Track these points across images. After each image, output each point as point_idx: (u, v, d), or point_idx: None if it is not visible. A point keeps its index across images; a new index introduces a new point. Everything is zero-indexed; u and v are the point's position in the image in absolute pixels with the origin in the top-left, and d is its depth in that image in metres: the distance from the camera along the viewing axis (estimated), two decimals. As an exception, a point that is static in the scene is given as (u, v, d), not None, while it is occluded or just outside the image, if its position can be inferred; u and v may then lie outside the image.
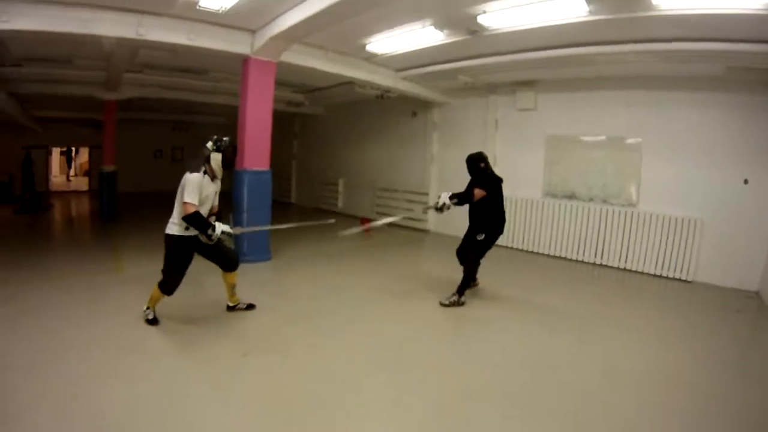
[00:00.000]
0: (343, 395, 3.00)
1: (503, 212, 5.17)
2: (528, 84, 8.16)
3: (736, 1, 4.29)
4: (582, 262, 7.60)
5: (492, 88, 8.56)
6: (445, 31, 5.86)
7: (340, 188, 12.18)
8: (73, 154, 21.58)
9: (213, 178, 3.85)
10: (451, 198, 4.85)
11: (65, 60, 7.52)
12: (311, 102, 11.89)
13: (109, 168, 10.26)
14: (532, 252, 8.17)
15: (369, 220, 9.56)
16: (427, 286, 5.69)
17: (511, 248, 8.32)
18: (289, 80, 9.37)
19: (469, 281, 5.07)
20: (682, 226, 6.65)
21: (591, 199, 7.66)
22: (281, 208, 12.42)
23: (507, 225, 5.29)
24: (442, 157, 9.65)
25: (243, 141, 6.17)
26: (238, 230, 4.33)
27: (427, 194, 9.70)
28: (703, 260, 6.55)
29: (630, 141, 7.28)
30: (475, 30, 5.62)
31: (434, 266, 7.05)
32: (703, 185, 6.58)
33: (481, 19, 5.26)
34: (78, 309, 4.33)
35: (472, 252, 5.06)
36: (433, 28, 5.74)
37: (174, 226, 3.74)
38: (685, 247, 6.64)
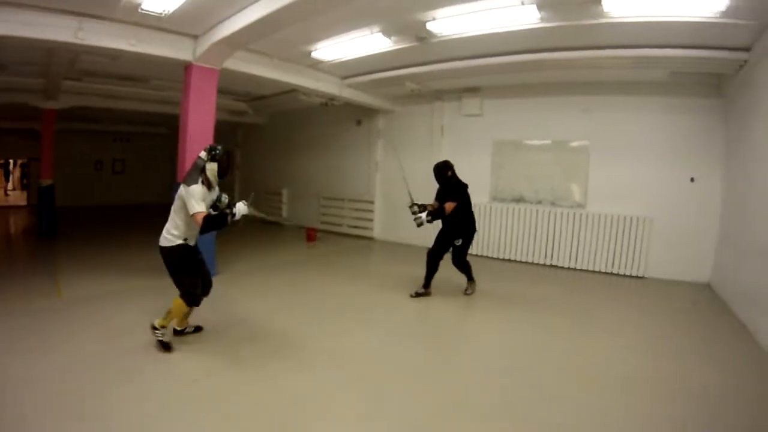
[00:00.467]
0: (308, 421, 2.76)
1: (473, 214, 5.51)
2: (474, 90, 8.25)
3: (681, 8, 4.46)
4: (533, 263, 7.73)
5: (438, 95, 8.59)
6: (393, 37, 5.80)
7: (285, 198, 11.88)
8: (11, 167, 20.42)
9: (210, 188, 3.62)
10: (428, 216, 5.17)
11: (-1, 66, 6.96)
12: (255, 111, 11.64)
13: (47, 182, 9.56)
14: (482, 256, 8.16)
15: (315, 231, 9.41)
16: (386, 293, 5.66)
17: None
18: (232, 88, 9.10)
19: (470, 275, 5.68)
20: (631, 225, 6.95)
21: (539, 202, 7.81)
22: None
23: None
24: (387, 164, 9.55)
25: (184, 151, 5.89)
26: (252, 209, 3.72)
27: (372, 202, 9.66)
28: (655, 256, 6.89)
29: (576, 144, 7.51)
30: (423, 37, 5.59)
31: (390, 273, 6.84)
32: (652, 185, 6.89)
33: (430, 26, 5.23)
34: (21, 340, 3.76)
35: (455, 256, 5.49)
36: (381, 34, 5.67)
37: (171, 237, 3.57)
38: (636, 245, 6.95)
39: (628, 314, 5.27)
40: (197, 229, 3.56)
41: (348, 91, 8.31)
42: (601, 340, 4.32)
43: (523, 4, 4.57)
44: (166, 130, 14.37)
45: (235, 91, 9.71)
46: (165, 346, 3.63)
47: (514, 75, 7.05)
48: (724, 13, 4.36)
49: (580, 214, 7.41)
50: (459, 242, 5.36)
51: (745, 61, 5.30)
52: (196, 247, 3.77)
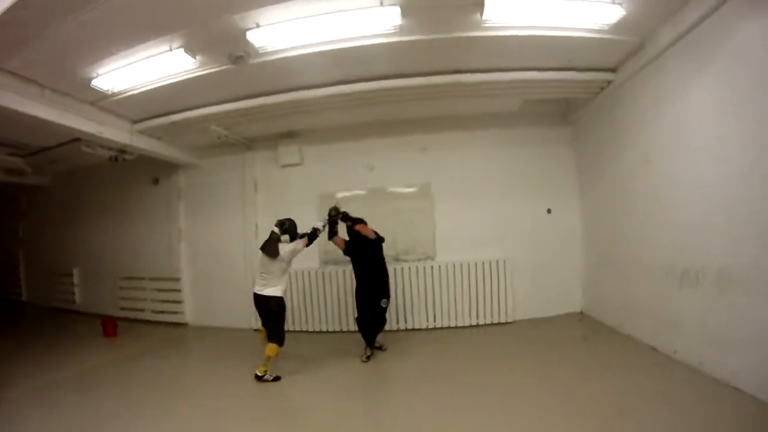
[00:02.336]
0: None
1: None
2: (290, 135, 7.06)
3: (569, 19, 4.15)
4: (385, 331, 6.32)
5: (249, 143, 7.20)
6: (199, 56, 4.44)
7: (76, 280, 9.25)
8: None
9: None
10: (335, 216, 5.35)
11: None
12: (35, 169, 8.89)
13: None
14: (319, 332, 6.79)
15: (113, 322, 7.09)
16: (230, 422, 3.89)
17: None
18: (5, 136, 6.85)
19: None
20: (491, 269, 6.53)
21: None
22: (9, 310, 10.11)
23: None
24: (193, 231, 7.77)
25: None
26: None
27: (178, 279, 7.62)
28: (522, 296, 6.52)
29: (417, 189, 6.78)
30: (240, 56, 4.35)
31: (220, 378, 5.04)
32: (506, 222, 6.63)
33: (252, 36, 4.00)
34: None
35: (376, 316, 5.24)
36: (182, 51, 4.25)
37: (279, 290, 4.84)
38: (498, 289, 6.46)
39: (534, 367, 4.69)
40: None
41: (141, 140, 6.45)
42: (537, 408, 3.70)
43: (382, 5, 3.68)
44: None
45: (8, 141, 7.26)
46: (276, 379, 4.72)
47: (339, 113, 6.06)
48: (613, 27, 4.17)
49: (431, 267, 6.58)
50: (385, 303, 5.25)
51: (609, 83, 5.37)
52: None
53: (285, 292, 4.88)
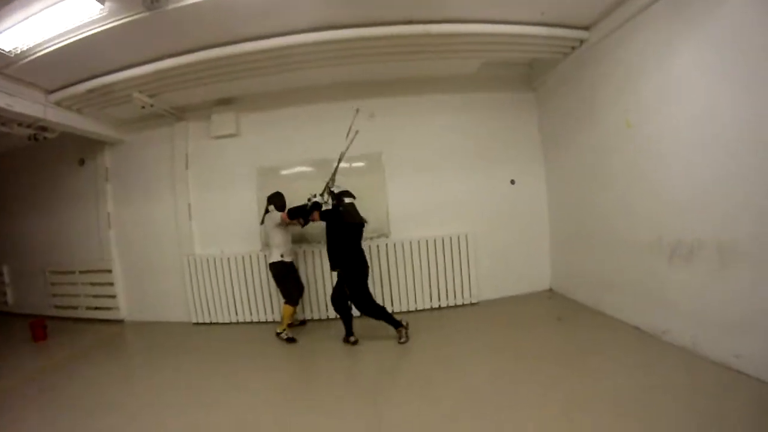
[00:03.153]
0: None
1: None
2: (225, 103, 6.24)
3: None
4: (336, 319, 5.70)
5: (179, 113, 6.37)
6: (108, 2, 3.71)
7: (7, 278, 8.35)
8: None
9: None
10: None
11: None
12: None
13: None
14: (261, 322, 6.11)
15: (42, 324, 6.32)
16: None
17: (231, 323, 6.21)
18: None
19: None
20: (451, 245, 5.88)
21: None
22: None
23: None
24: (122, 216, 6.86)
25: None
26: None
27: (109, 271, 6.82)
28: (486, 274, 6.01)
29: (365, 161, 5.99)
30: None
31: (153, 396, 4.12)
32: (467, 195, 6.00)
33: None
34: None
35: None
36: None
37: (274, 256, 5.18)
38: (461, 268, 5.89)
39: (506, 357, 4.10)
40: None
41: (57, 113, 5.60)
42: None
43: None
44: None
45: None
46: (290, 341, 5.04)
47: (276, 76, 5.25)
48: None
49: (385, 245, 5.86)
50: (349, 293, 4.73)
51: (581, 42, 4.88)
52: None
53: (283, 256, 5.19)
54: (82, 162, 7.20)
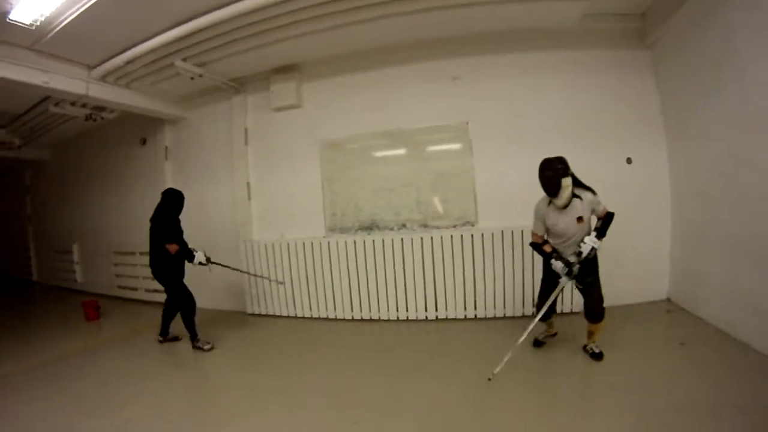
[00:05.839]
0: None
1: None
2: (285, 71, 5.49)
3: None
4: (407, 320, 5.04)
5: (238, 86, 5.77)
6: None
7: (76, 257, 8.33)
8: None
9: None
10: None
11: None
12: (24, 140, 7.99)
13: None
14: (327, 319, 5.38)
15: (95, 304, 6.15)
16: None
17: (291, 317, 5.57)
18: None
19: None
20: None
21: (403, 226, 5.16)
22: (19, 290, 9.47)
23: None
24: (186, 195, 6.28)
25: None
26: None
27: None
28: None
29: (449, 132, 5.04)
30: None
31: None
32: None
33: None
34: None
35: None
36: None
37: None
38: None
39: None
40: None
41: (102, 89, 5.20)
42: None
43: None
44: None
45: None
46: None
47: (346, 30, 4.39)
48: None
49: (471, 236, 4.82)
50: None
51: None
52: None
53: None
54: (143, 141, 6.96)
